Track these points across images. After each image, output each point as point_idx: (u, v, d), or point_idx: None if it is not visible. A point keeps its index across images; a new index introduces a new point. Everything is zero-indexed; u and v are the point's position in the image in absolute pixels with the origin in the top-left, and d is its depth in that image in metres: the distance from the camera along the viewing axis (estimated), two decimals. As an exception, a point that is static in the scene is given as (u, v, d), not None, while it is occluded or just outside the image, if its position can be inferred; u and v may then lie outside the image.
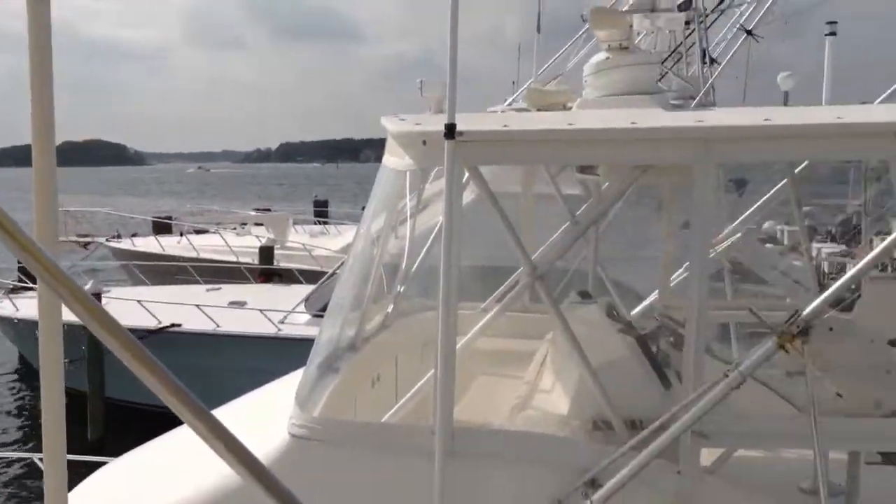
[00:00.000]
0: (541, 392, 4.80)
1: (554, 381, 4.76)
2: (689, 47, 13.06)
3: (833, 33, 9.90)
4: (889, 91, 6.62)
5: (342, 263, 7.79)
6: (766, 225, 22.44)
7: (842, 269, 17.14)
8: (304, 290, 14.46)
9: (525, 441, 4.07)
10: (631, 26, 5.45)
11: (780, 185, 6.35)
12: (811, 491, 4.31)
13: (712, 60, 14.12)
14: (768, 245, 17.91)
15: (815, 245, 31.16)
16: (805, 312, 3.72)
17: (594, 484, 3.91)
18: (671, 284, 6.62)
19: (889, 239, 3.79)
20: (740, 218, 6.78)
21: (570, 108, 5.33)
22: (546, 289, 4.11)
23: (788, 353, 3.81)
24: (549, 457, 3.99)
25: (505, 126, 3.96)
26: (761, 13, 10.99)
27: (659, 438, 3.78)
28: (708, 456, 4.43)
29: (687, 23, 12.61)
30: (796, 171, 6.06)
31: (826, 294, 3.77)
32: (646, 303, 6.63)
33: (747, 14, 12.17)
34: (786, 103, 11.63)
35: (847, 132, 3.85)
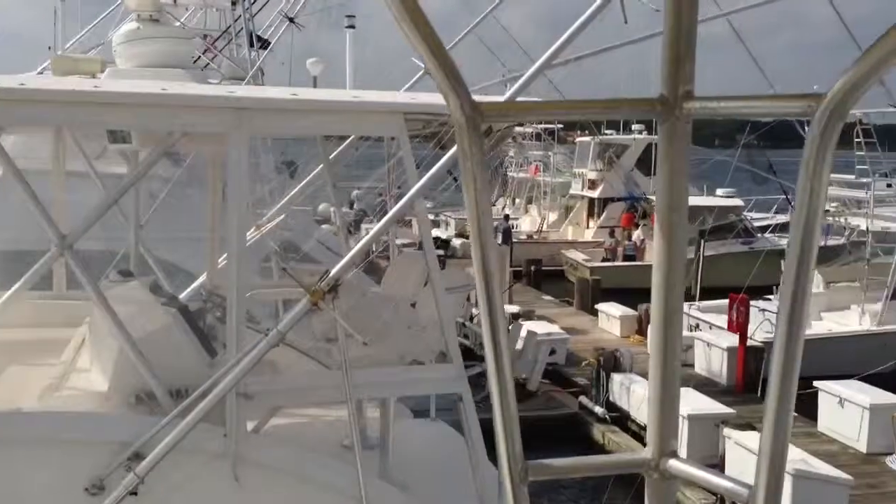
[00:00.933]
0: (79, 372, 4.60)
1: (93, 359, 4.60)
2: (239, 31, 13.32)
3: (352, 26, 10.82)
4: (411, 82, 7.47)
5: None
6: (321, 207, 23.59)
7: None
8: None
9: (57, 421, 3.89)
10: (162, -1, 5.40)
11: (317, 170, 6.79)
12: (352, 446, 4.72)
13: (263, 44, 14.58)
14: (325, 226, 18.93)
15: (364, 226, 33.53)
16: (333, 272, 4.09)
17: (139, 457, 3.87)
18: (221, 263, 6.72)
19: (390, 214, 4.34)
20: (284, 199, 7.11)
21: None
22: (78, 260, 3.96)
23: (321, 310, 4.15)
24: (87, 436, 3.87)
25: (21, 84, 3.71)
26: (302, 2, 11.61)
27: (202, 403, 3.87)
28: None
29: (233, 4, 12.89)
30: (331, 157, 6.55)
31: (348, 256, 4.18)
32: (194, 285, 6.66)
33: (292, 2, 12.74)
34: (315, 86, 12.47)
35: (363, 110, 4.31)
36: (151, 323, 4.49)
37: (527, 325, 17.08)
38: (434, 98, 5.33)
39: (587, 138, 34.11)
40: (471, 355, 12.47)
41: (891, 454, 12.28)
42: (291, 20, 11.73)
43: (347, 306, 4.31)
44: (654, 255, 1.14)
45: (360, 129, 4.96)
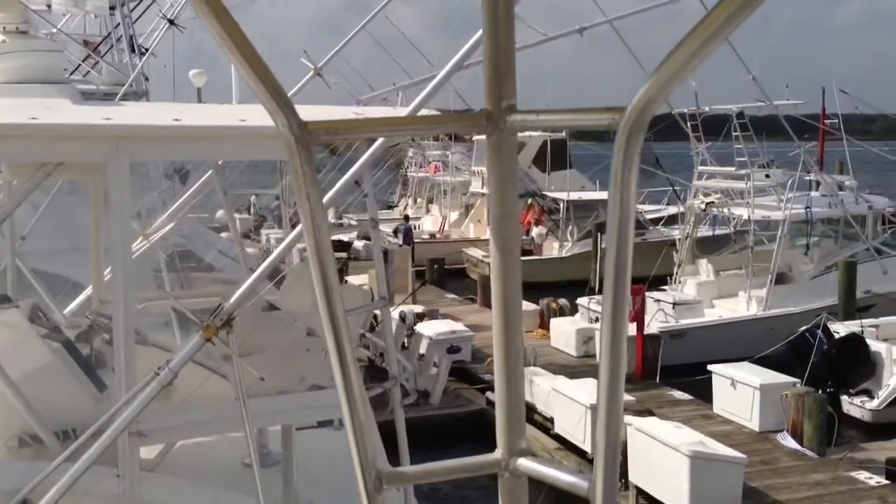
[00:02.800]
0: None
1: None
2: (119, 36, 12.93)
3: None
4: (298, 86, 7.40)
5: None
6: (218, 214, 23.09)
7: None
8: None
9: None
10: (27, 9, 5.18)
11: (206, 177, 6.65)
12: (251, 465, 4.64)
13: (144, 50, 14.19)
14: (225, 234, 18.54)
15: (265, 231, 32.99)
16: (228, 304, 3.98)
17: (27, 505, 3.69)
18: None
19: (286, 241, 4.27)
20: (172, 207, 6.94)
21: None
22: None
23: (215, 345, 4.04)
24: None
25: None
26: (182, 2, 11.32)
27: (94, 445, 3.70)
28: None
29: (112, 9, 12.50)
30: (220, 162, 6.42)
31: (243, 287, 4.06)
32: (79, 299, 6.43)
33: (174, 4, 12.40)
34: (199, 100, 12.21)
35: (250, 135, 4.20)
36: (32, 359, 4.28)
37: (430, 325, 17.17)
38: (328, 112, 5.28)
39: (483, 136, 34.46)
40: (372, 366, 12.46)
41: (781, 431, 12.89)
42: (172, 22, 11.43)
43: (244, 335, 4.20)
44: (490, 263, 1.19)
45: (247, 153, 4.87)
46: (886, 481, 11.37)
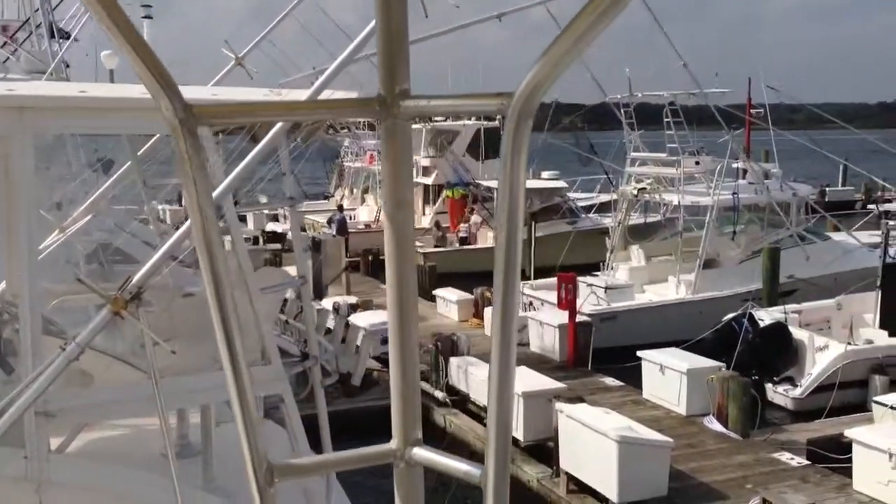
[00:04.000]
0: None
1: None
2: (39, 23, 12.47)
3: (148, 16, 10.42)
4: (221, 75, 7.25)
5: None
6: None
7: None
8: None
9: None
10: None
11: (124, 168, 6.47)
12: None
13: (65, 35, 13.72)
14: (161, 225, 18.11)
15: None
16: (136, 279, 3.90)
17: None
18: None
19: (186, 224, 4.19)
20: (91, 198, 6.74)
21: None
22: None
23: (124, 319, 3.95)
24: None
25: None
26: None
27: None
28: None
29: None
30: (139, 152, 6.26)
31: (151, 261, 4.00)
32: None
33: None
34: (112, 80, 11.88)
35: (156, 106, 4.10)
36: None
37: (364, 316, 17.11)
38: (234, 93, 5.18)
39: (419, 125, 34.46)
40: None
41: (707, 415, 13.22)
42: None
43: (156, 311, 4.13)
44: (385, 251, 1.16)
45: (155, 127, 4.76)
46: (808, 462, 11.76)
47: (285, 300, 14.80)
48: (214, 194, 4.29)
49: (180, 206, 34.72)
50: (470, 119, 33.85)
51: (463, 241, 29.32)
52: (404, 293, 1.16)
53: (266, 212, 30.20)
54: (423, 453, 1.19)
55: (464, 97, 1.06)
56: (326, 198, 40.69)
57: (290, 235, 29.70)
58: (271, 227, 31.41)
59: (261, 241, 29.56)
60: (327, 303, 18.98)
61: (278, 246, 26.94)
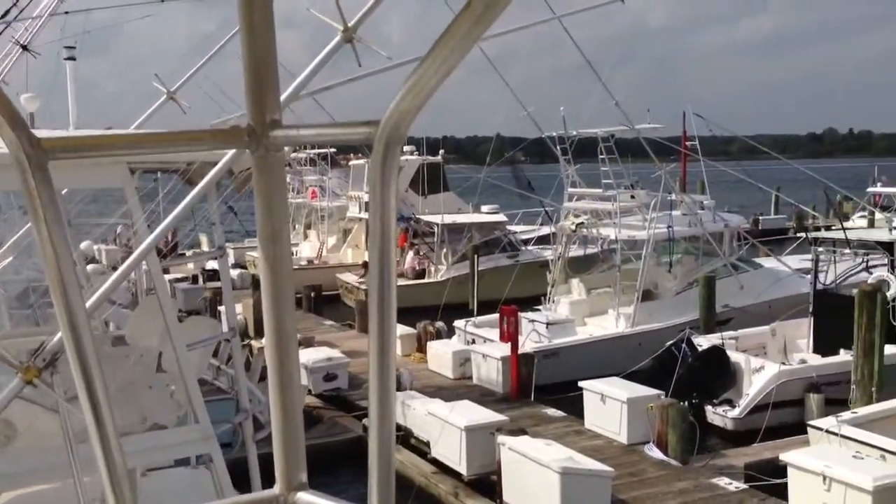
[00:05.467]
0: None
1: None
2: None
3: (72, 58, 10.31)
4: (149, 111, 7.14)
5: None
6: (83, 245, 22.00)
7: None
8: None
9: None
10: None
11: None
12: None
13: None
14: (90, 266, 17.67)
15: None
16: (50, 344, 3.73)
17: None
18: None
19: (122, 268, 4.08)
20: (12, 239, 6.54)
21: None
22: None
23: (37, 388, 3.77)
24: None
25: None
26: (37, 28, 10.82)
27: None
28: None
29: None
30: (63, 192, 6.10)
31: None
32: None
33: (28, 29, 11.84)
34: (32, 124, 11.61)
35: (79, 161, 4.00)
36: None
37: (305, 353, 16.87)
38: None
39: (361, 161, 34.46)
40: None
41: (648, 442, 13.31)
42: (25, 48, 10.85)
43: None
44: (261, 287, 1.13)
45: (76, 181, 4.64)
46: (745, 485, 11.90)
47: (220, 343, 14.52)
48: (145, 243, 4.18)
49: (115, 244, 34.08)
50: (412, 154, 33.95)
51: (402, 276, 29.18)
52: (283, 330, 1.13)
53: (206, 249, 29.74)
54: (308, 498, 1.15)
55: (333, 126, 1.04)
56: (267, 234, 40.19)
57: (222, 282, 29.26)
58: (212, 265, 30.92)
59: (200, 279, 29.04)
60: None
61: (219, 285, 26.48)
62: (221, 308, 22.61)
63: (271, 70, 1.04)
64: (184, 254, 25.63)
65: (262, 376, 16.45)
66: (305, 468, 1.18)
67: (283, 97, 4.68)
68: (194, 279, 29.44)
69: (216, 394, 13.47)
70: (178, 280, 29.24)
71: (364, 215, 33.53)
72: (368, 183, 0.97)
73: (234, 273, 30.39)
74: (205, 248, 31.33)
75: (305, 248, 35.66)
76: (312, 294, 27.20)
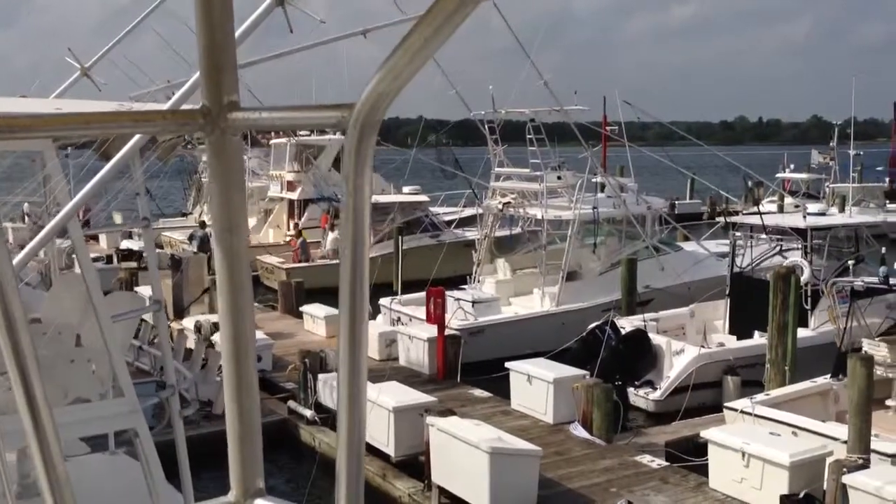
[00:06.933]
0: None
1: None
2: None
3: None
4: (62, 87, 6.82)
5: None
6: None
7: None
8: None
9: None
10: None
11: None
12: (16, 497, 4.21)
13: None
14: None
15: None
16: None
17: None
18: None
19: (36, 239, 3.89)
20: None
21: None
22: None
23: None
24: None
25: None
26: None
27: None
28: None
29: None
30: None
31: None
32: None
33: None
34: None
35: None
36: None
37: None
38: (87, 106, 4.87)
39: (283, 140, 33.89)
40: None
41: (573, 422, 13.53)
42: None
43: None
44: (218, 285, 1.05)
45: None
46: (666, 462, 12.22)
47: (140, 322, 14.12)
48: (59, 215, 3.99)
49: (23, 223, 32.79)
50: (335, 133, 33.56)
51: (324, 257, 28.91)
52: (240, 329, 1.05)
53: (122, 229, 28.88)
54: None
55: (300, 109, 0.96)
56: (184, 215, 39.31)
57: (146, 254, 28.46)
58: (126, 244, 30.03)
59: (115, 259, 28.16)
60: (188, 322, 18.27)
61: (134, 265, 25.74)
62: (137, 288, 22.02)
63: (229, 47, 0.96)
64: (111, 222, 24.80)
65: (184, 356, 16.12)
66: (262, 473, 1.11)
67: (194, 78, 4.53)
68: (108, 259, 28.52)
69: (138, 376, 13.10)
70: (92, 260, 28.36)
71: (285, 195, 33.09)
72: (342, 170, 0.90)
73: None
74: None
75: (226, 228, 34.93)
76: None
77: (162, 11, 8.18)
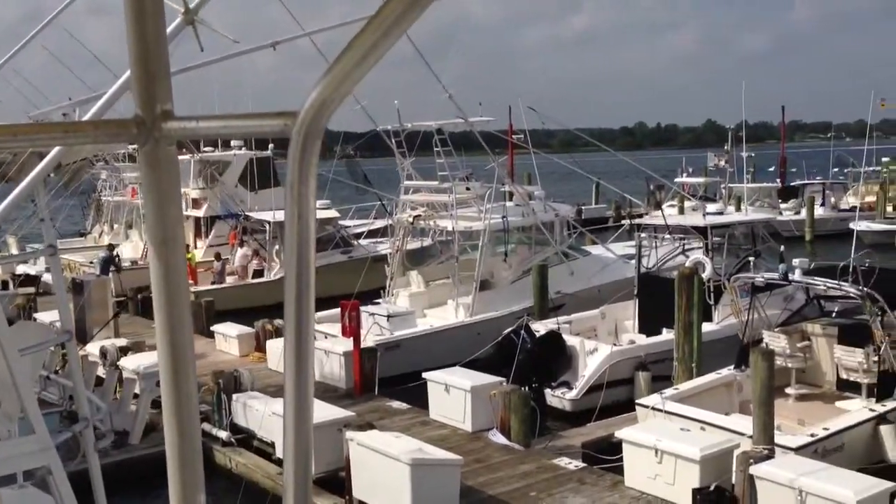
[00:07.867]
0: None
1: None
2: None
3: None
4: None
5: None
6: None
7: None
8: None
9: None
10: None
11: None
12: None
13: None
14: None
15: None
16: None
17: None
18: None
19: None
20: None
21: None
22: None
23: None
24: None
25: None
26: None
27: None
28: None
29: None
30: None
31: None
32: None
33: None
34: None
35: None
36: None
37: (135, 358, 16.03)
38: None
39: (186, 156, 33.08)
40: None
41: (492, 429, 13.62)
42: None
43: None
44: (154, 301, 1.02)
45: None
46: (583, 464, 12.43)
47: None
48: None
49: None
50: (241, 149, 32.97)
51: (231, 275, 28.31)
52: (178, 347, 1.02)
53: (16, 252, 27.62)
54: None
55: (240, 117, 0.94)
56: (83, 235, 37.91)
57: (45, 278, 27.23)
58: (22, 269, 28.76)
59: (11, 285, 26.90)
60: (93, 347, 17.60)
61: (31, 290, 24.67)
62: (37, 315, 21.10)
63: (162, 54, 0.93)
64: (25, 257, 23.66)
65: (96, 383, 15.51)
66: (204, 493, 1.08)
67: (115, 87, 4.39)
68: (3, 285, 27.22)
69: (45, 407, 12.53)
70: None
71: (191, 212, 32.28)
72: (286, 179, 0.89)
73: (49, 277, 28.43)
74: (13, 251, 29.00)
75: (128, 249, 33.83)
76: (139, 296, 25.85)
77: (54, 27, 7.90)
